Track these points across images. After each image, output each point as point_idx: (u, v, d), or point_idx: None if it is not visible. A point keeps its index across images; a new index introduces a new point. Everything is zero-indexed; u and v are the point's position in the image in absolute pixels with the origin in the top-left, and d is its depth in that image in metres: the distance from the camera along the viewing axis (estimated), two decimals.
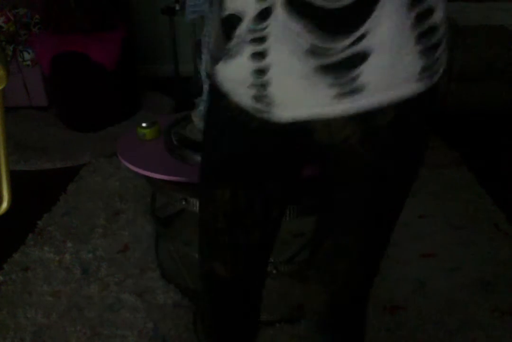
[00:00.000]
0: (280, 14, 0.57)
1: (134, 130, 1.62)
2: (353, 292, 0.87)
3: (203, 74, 0.75)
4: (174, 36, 3.16)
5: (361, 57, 0.57)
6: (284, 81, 0.61)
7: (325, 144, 0.69)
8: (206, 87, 0.76)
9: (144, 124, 1.58)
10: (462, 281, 1.61)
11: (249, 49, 0.61)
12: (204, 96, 0.77)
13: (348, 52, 0.57)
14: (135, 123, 1.67)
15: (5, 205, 0.75)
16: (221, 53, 0.67)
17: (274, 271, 1.50)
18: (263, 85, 0.63)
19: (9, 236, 1.88)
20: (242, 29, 0.61)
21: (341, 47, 0.57)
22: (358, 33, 0.56)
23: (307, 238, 1.42)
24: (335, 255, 0.80)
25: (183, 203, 1.36)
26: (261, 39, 0.60)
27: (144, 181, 1.73)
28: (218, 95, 0.72)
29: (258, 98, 0.65)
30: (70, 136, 2.73)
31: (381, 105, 0.61)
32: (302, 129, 0.68)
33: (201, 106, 0.77)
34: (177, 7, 2.93)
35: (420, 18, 0.58)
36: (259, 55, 0.61)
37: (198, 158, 1.38)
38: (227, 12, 0.62)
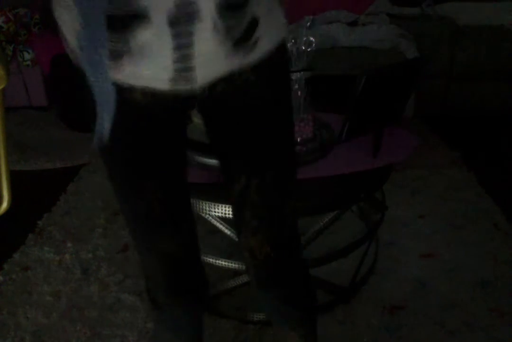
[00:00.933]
0: None
1: None
2: (280, 225, 0.92)
3: (106, 84, 0.67)
4: None
5: (254, 24, 0.69)
6: (210, 63, 0.69)
7: (226, 93, 0.76)
8: (112, 95, 0.67)
9: None
10: (462, 281, 1.61)
11: (170, 52, 0.65)
12: (107, 107, 0.68)
13: (247, 23, 0.69)
14: None
15: (5, 205, 0.75)
16: (124, 49, 0.66)
17: None
18: (185, 56, 0.66)
19: (9, 236, 1.88)
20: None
21: (243, 21, 0.68)
22: (249, 5, 0.67)
23: (307, 238, 1.42)
24: (265, 191, 0.86)
25: None
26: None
27: None
28: (120, 91, 0.70)
29: (178, 79, 0.68)
30: (70, 136, 2.73)
31: (269, 53, 0.75)
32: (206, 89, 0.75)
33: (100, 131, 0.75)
34: None
35: None
36: (184, 57, 0.66)
37: (198, 158, 1.38)
38: None
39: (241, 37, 0.69)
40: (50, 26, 2.73)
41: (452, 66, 2.82)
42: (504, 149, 2.52)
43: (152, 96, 0.72)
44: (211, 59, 0.69)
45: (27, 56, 2.81)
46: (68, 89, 2.74)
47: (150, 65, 0.67)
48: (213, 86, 0.75)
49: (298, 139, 1.34)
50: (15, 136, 2.69)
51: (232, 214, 0.93)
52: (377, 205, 1.61)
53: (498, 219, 1.92)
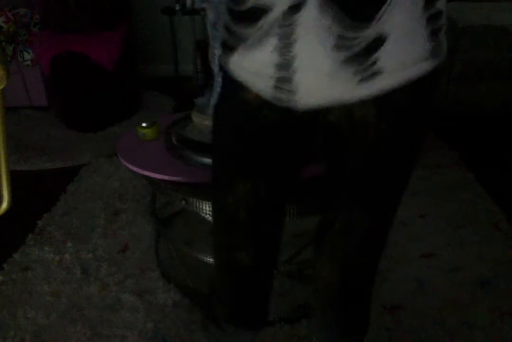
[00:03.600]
0: (313, 8, 0.58)
1: (134, 130, 1.62)
2: (363, 267, 0.90)
3: (215, 68, 0.77)
4: (174, 36, 3.16)
5: (378, 42, 0.60)
6: (309, 75, 0.63)
7: (342, 124, 0.72)
8: (219, 80, 0.77)
9: (144, 124, 1.58)
10: (462, 281, 1.61)
11: (273, 42, 0.62)
12: (216, 89, 0.78)
13: (369, 39, 0.60)
14: (135, 123, 1.67)
15: (5, 205, 0.75)
16: (236, 43, 0.68)
17: (274, 271, 1.50)
18: (287, 78, 0.64)
19: (9, 236, 1.88)
20: (267, 21, 0.61)
21: (364, 35, 0.59)
22: (377, 19, 0.59)
23: (307, 238, 1.42)
24: (348, 231, 0.83)
25: (183, 203, 1.36)
26: (288, 33, 0.61)
27: (144, 181, 1.73)
28: (233, 87, 0.73)
29: (280, 89, 0.66)
30: (70, 136, 2.73)
31: (399, 85, 0.66)
32: (319, 113, 0.71)
33: (212, 99, 0.77)
34: (177, 7, 2.93)
35: (428, 2, 0.62)
36: (284, 49, 0.62)
37: (198, 158, 1.38)
38: (249, 4, 0.62)
39: (356, 54, 0.61)
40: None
41: (452, 66, 2.82)
42: (504, 149, 2.52)
43: (265, 104, 0.71)
44: (315, 75, 0.63)
45: (27, 56, 2.81)
46: (68, 89, 2.74)
47: (256, 61, 0.67)
48: (326, 114, 0.71)
49: None
50: (15, 136, 2.69)
51: (314, 245, 0.90)
52: None
53: (498, 219, 1.92)
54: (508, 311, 1.49)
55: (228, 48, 0.70)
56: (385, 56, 0.62)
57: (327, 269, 0.89)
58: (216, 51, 0.73)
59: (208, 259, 1.39)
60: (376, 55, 0.61)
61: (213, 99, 0.77)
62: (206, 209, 1.29)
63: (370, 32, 0.59)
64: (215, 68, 0.76)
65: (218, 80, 0.76)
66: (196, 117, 1.46)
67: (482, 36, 2.75)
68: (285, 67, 0.63)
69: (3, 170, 0.74)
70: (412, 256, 1.73)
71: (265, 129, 0.75)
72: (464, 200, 2.06)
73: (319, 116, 0.72)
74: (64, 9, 2.67)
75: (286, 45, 0.61)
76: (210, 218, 1.59)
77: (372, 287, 0.96)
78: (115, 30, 2.81)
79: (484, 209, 2.00)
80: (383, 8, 0.58)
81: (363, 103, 0.67)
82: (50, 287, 1.64)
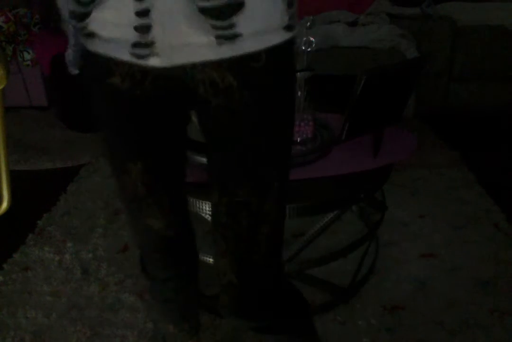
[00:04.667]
0: None
1: None
2: (259, 247, 0.84)
3: (65, 13, 0.72)
4: None
5: (236, 7, 0.63)
6: (168, 22, 0.63)
7: (207, 94, 0.72)
8: (70, 29, 0.74)
9: None
10: (462, 281, 1.61)
11: None
12: (71, 41, 0.76)
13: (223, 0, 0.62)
14: None
15: (5, 205, 0.75)
16: (89, 7, 0.67)
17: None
18: (147, 27, 0.64)
19: (9, 236, 1.88)
20: None
21: None
22: None
23: (307, 238, 1.42)
24: (233, 210, 0.80)
25: None
26: None
27: None
28: (99, 71, 0.74)
29: (139, 44, 0.66)
30: (70, 136, 2.74)
31: (256, 50, 0.68)
32: (183, 79, 0.71)
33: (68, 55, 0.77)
34: None
35: None
36: None
37: (198, 158, 1.38)
38: None
39: (215, 8, 0.62)
40: (50, 23, 2.73)
41: (452, 66, 2.82)
42: (504, 149, 2.52)
43: (132, 79, 0.72)
44: (173, 21, 0.63)
45: (27, 56, 2.81)
46: (68, 89, 2.74)
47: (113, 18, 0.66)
48: (192, 84, 0.72)
49: (298, 140, 1.34)
50: (15, 136, 2.69)
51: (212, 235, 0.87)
52: (377, 205, 1.61)
53: (498, 219, 1.92)
54: (508, 311, 1.49)
55: (79, 15, 0.69)
56: (243, 22, 0.64)
57: (222, 255, 0.85)
58: (71, 28, 0.72)
59: (207, 259, 1.39)
60: (236, 18, 0.63)
61: (69, 55, 0.77)
62: (206, 209, 1.29)
63: None
64: (65, 13, 0.72)
65: (70, 29, 0.74)
66: (195, 117, 1.46)
67: (482, 36, 2.75)
68: (143, 14, 0.63)
69: (3, 170, 0.74)
70: (412, 256, 1.73)
71: (139, 109, 0.77)
72: (464, 200, 2.06)
73: (184, 86, 0.72)
74: None
75: None
76: (210, 218, 1.59)
77: (271, 281, 0.90)
78: None
79: (484, 209, 2.00)
80: None
81: (224, 70, 0.69)
82: (50, 287, 1.64)
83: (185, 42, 0.65)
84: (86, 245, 1.83)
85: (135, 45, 0.66)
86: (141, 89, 0.73)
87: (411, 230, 1.87)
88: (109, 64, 0.72)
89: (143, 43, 0.65)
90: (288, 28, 0.70)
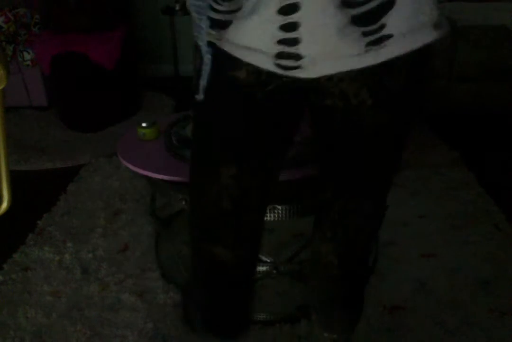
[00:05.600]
0: None
1: (134, 130, 1.62)
2: (361, 246, 0.92)
3: (203, 46, 0.71)
4: (174, 36, 3.16)
5: (387, 6, 0.60)
6: (318, 35, 0.61)
7: (337, 107, 0.71)
8: (208, 57, 0.72)
9: (144, 124, 1.58)
10: (462, 281, 1.61)
11: (276, 3, 0.60)
12: (205, 67, 0.73)
13: (376, 1, 0.59)
14: (135, 123, 1.67)
15: (5, 205, 0.75)
16: (230, 17, 0.65)
17: (274, 271, 1.50)
18: (294, 40, 0.62)
19: (9, 236, 1.88)
20: None
21: None
22: None
23: (307, 238, 1.42)
24: (347, 212, 0.84)
25: (183, 203, 1.36)
26: None
27: (144, 181, 1.73)
28: (225, 64, 0.70)
29: (283, 55, 0.64)
30: (70, 136, 2.73)
31: (406, 52, 0.64)
32: (313, 89, 0.70)
33: (201, 79, 0.73)
34: (177, 7, 2.93)
35: None
36: (289, 9, 0.60)
37: None
38: None
39: (364, 13, 0.59)
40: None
41: (452, 66, 2.82)
42: (504, 149, 2.51)
43: (257, 78, 0.69)
44: (323, 33, 0.61)
45: (27, 56, 2.81)
46: (68, 89, 2.74)
47: (254, 31, 0.64)
48: (320, 96, 0.70)
49: (298, 139, 1.34)
50: (15, 136, 2.69)
51: (314, 222, 0.92)
52: None
53: (498, 219, 1.92)
54: (508, 311, 1.49)
55: (218, 24, 0.67)
56: (392, 21, 0.61)
57: (325, 247, 0.90)
58: (202, 24, 0.69)
59: None
60: (385, 19, 0.61)
61: (203, 79, 0.72)
62: None
63: None
64: (202, 44, 0.71)
65: (208, 57, 0.71)
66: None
67: (482, 36, 2.75)
68: (291, 30, 0.61)
69: (3, 170, 0.74)
70: (412, 256, 1.73)
71: (254, 110, 0.73)
72: (464, 200, 2.06)
73: (309, 95, 0.71)
74: (64, 9, 2.67)
75: (291, 4, 0.59)
76: None
77: (366, 266, 1.00)
78: (115, 30, 2.81)
79: (484, 209, 1.99)
80: None
81: (361, 85, 0.66)
82: (50, 287, 1.64)
83: (335, 55, 0.63)
84: (86, 245, 1.83)
85: (279, 56, 0.64)
86: (262, 90, 0.70)
87: (411, 230, 1.87)
88: (237, 60, 0.69)
89: (287, 54, 0.63)
90: (438, 26, 0.66)
